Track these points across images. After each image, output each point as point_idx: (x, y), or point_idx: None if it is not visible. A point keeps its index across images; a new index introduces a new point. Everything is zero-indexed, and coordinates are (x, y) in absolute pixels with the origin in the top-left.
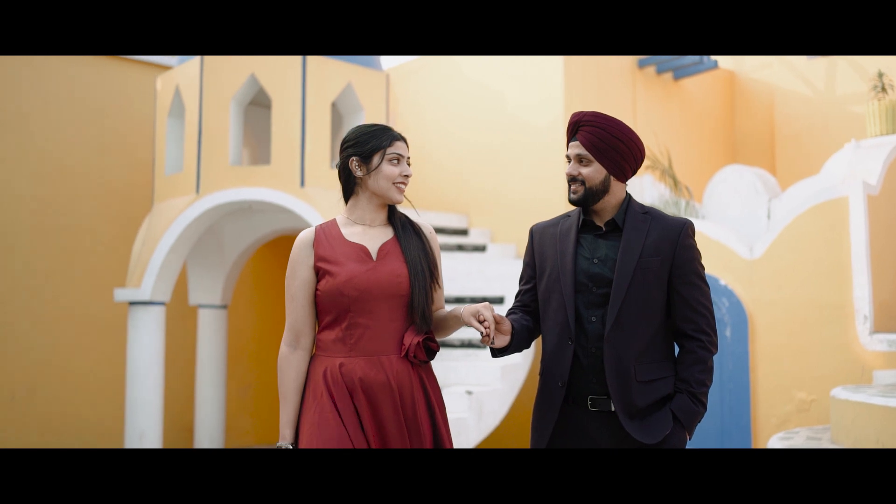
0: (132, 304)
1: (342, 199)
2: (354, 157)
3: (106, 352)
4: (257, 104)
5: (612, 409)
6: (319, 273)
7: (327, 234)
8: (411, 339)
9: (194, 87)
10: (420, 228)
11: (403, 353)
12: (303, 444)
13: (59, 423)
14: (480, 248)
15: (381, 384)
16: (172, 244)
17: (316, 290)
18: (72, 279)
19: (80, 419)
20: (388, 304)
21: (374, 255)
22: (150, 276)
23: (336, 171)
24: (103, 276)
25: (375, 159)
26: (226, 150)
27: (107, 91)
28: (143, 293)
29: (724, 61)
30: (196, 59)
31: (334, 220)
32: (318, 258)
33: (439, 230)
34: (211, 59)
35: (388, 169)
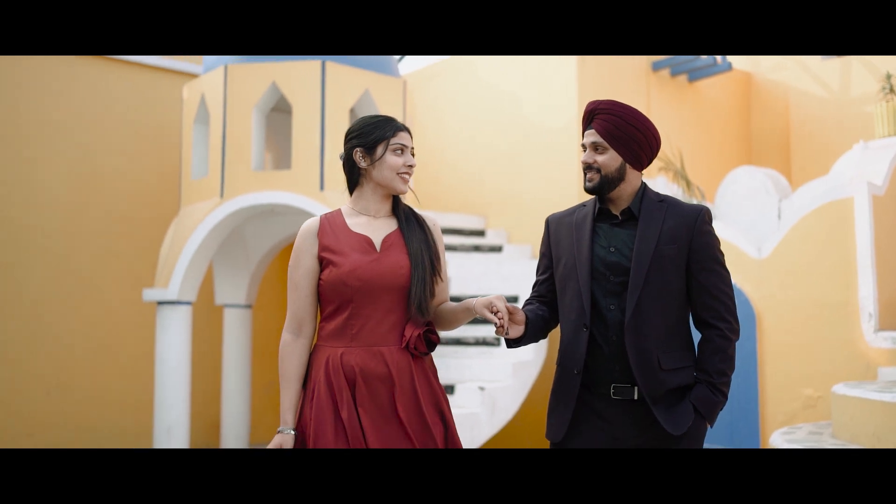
0: (160, 303)
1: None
2: (358, 148)
3: (135, 350)
4: (279, 110)
5: (636, 397)
6: (323, 263)
7: (332, 223)
8: (412, 331)
9: (219, 95)
10: (424, 220)
11: (404, 345)
12: (302, 437)
13: (90, 418)
14: (497, 249)
15: (382, 375)
16: (198, 246)
17: (319, 279)
18: (103, 280)
19: (110, 414)
20: (390, 295)
21: (377, 247)
22: (177, 277)
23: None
24: (133, 276)
25: (379, 150)
26: (248, 156)
27: (137, 99)
28: (171, 293)
29: (740, 63)
30: (220, 68)
31: (339, 210)
32: (322, 248)
33: (457, 231)
34: (234, 68)
35: (392, 159)
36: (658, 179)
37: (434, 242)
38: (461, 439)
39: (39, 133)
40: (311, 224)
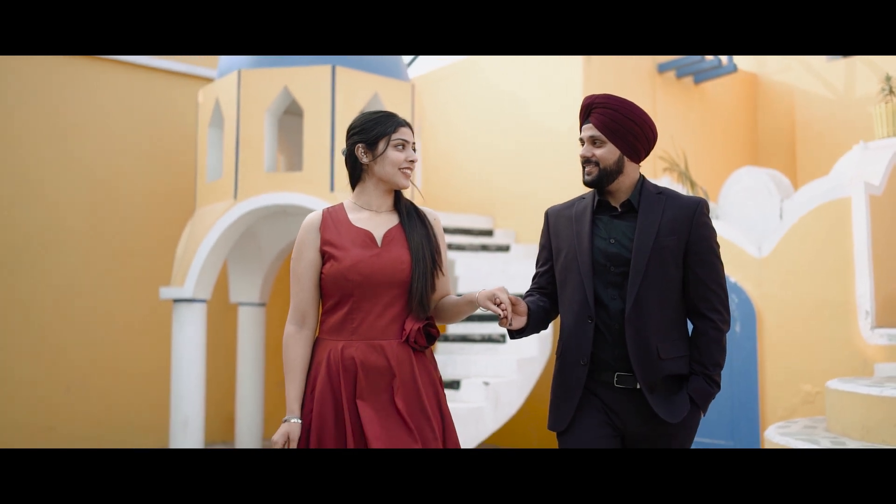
0: (176, 301)
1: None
2: (360, 144)
3: (152, 346)
4: (291, 113)
5: (638, 385)
6: (325, 256)
7: (334, 218)
8: (412, 325)
9: (232, 99)
10: (425, 215)
11: (404, 339)
12: (305, 429)
13: (108, 413)
14: (504, 249)
15: (382, 369)
16: (213, 246)
17: (321, 272)
18: (121, 279)
19: (128, 409)
20: (391, 290)
21: (378, 241)
22: (192, 276)
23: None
24: (149, 275)
25: (381, 145)
26: (261, 158)
27: (153, 103)
28: (186, 291)
29: (745, 64)
30: (234, 73)
31: (342, 204)
32: (324, 242)
33: (465, 231)
34: (248, 73)
35: (394, 155)
36: (663, 180)
37: (435, 237)
38: (467, 434)
39: (56, 136)
40: (313, 218)
